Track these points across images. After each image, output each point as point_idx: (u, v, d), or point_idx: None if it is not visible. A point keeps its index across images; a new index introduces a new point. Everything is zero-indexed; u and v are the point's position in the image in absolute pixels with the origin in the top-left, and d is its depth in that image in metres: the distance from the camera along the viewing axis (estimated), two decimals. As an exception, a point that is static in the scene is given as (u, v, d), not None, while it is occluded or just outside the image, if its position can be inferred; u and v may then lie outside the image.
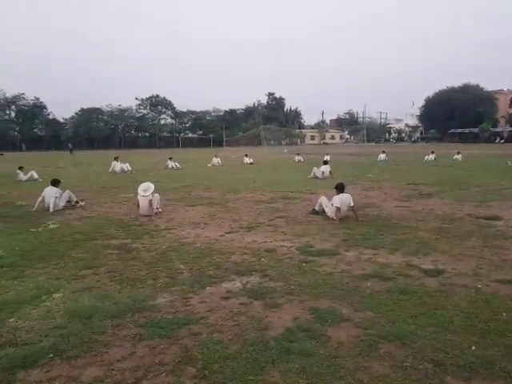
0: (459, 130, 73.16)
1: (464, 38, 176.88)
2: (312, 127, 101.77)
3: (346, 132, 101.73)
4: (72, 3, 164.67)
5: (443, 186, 12.40)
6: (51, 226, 7.42)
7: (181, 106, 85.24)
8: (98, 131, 72.54)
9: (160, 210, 8.71)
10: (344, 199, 7.64)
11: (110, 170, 20.33)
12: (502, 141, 65.24)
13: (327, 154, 27.66)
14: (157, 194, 8.68)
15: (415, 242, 6.00)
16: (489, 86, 78.04)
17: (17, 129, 68.80)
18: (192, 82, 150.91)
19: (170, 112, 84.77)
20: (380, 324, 3.36)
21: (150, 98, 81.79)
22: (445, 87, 79.74)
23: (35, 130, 70.89)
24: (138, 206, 8.33)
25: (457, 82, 79.61)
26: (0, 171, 21.21)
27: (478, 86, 77.16)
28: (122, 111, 77.46)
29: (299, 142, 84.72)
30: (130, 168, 20.69)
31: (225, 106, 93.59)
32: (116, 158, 21.05)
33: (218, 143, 72.47)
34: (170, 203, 9.91)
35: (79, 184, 14.41)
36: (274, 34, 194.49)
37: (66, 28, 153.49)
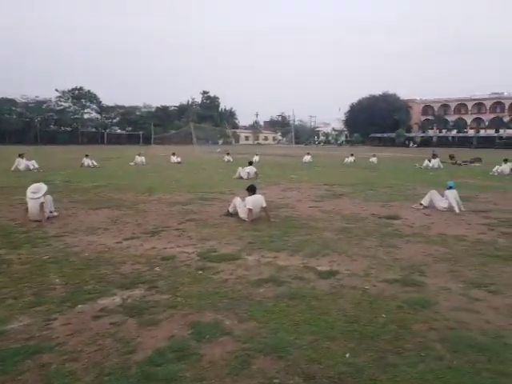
0: (379, 135, 79.24)
1: (380, 49, 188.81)
2: (246, 128, 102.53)
3: (279, 134, 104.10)
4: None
5: (355, 187, 12.92)
6: None
7: (108, 100, 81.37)
8: (10, 124, 66.22)
9: (55, 213, 7.91)
10: (256, 200, 7.54)
11: (13, 168, 18.40)
12: (415, 145, 71.41)
13: (256, 155, 27.88)
14: (49, 196, 7.82)
15: (318, 242, 6.04)
16: (404, 94, 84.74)
17: None
18: (123, 78, 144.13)
19: (95, 106, 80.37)
20: (261, 335, 3.20)
21: (73, 90, 76.73)
22: (367, 95, 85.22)
23: None
24: (27, 209, 7.48)
25: (378, 91, 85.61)
26: None
27: (395, 94, 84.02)
28: (40, 103, 71.49)
29: (233, 142, 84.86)
30: (36, 166, 18.91)
31: (157, 102, 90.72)
32: (21, 155, 19.06)
33: (148, 140, 70.06)
34: (71, 206, 9.13)
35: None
36: (211, 36, 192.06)
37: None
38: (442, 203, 8.84)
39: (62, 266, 4.93)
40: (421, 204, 9.07)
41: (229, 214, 8.04)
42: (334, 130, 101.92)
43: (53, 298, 3.92)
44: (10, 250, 5.61)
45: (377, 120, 77.99)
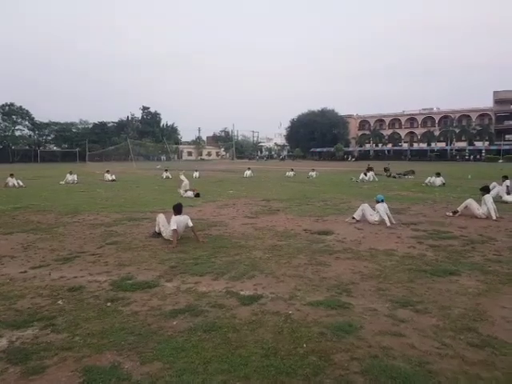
0: (319, 149, 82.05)
1: (324, 67, 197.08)
2: (189, 143, 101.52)
3: (222, 149, 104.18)
4: None
5: (292, 202, 12.88)
6: None
7: (41, 116, 77.10)
8: None
9: None
10: (181, 221, 7.12)
11: None
12: (354, 159, 74.36)
13: (196, 171, 27.41)
14: None
15: (246, 263, 5.74)
16: (342, 111, 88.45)
17: None
18: (57, 93, 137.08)
19: (27, 123, 75.84)
20: (163, 379, 2.81)
21: (3, 106, 72.11)
22: (306, 110, 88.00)
23: None
24: None
25: (317, 106, 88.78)
26: None
27: (333, 110, 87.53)
28: (-34, 120, 66.37)
29: (176, 158, 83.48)
30: None
31: (94, 118, 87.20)
32: None
33: (85, 158, 66.89)
34: (-20, 231, 8.16)
35: None
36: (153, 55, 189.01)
37: None
38: (373, 217, 8.96)
39: None
40: (353, 218, 9.14)
41: (156, 235, 7.55)
42: (276, 144, 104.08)
43: None
44: None
45: (317, 135, 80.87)
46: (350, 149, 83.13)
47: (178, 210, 7.20)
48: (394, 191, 16.23)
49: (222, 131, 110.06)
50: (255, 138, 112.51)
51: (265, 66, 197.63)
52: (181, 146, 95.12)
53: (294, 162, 67.58)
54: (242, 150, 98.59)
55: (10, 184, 19.49)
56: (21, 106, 73.85)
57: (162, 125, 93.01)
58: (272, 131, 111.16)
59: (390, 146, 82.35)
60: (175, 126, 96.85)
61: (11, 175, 20.11)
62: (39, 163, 64.02)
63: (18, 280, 5.03)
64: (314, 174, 26.13)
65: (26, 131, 76.49)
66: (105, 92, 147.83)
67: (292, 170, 27.26)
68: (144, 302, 4.27)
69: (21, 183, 19.75)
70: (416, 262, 5.78)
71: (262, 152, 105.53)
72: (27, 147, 74.47)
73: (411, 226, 8.57)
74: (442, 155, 70.74)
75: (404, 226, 8.60)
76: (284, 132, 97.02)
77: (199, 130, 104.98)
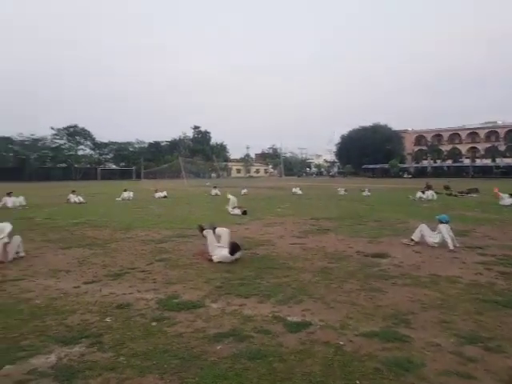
0: (371, 166, 79.27)
1: (374, 82, 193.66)
2: (238, 161, 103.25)
3: (271, 166, 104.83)
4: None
5: (343, 221, 12.44)
6: None
7: (102, 136, 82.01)
8: (6, 161, 66.40)
9: (22, 254, 7.41)
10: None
11: None
12: (410, 176, 71.20)
13: (244, 188, 27.63)
14: (18, 237, 7.37)
15: (293, 286, 5.52)
16: (395, 126, 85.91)
17: None
18: (115, 114, 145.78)
19: (89, 142, 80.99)
20: (205, 410, 2.66)
21: (68, 127, 77.68)
22: (358, 126, 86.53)
23: None
24: None
25: (368, 122, 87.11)
26: None
27: (386, 125, 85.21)
28: (35, 141, 72.03)
29: (225, 175, 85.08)
30: (23, 203, 18.51)
31: (149, 138, 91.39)
32: (8, 194, 18.71)
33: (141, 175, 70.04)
34: (43, 245, 8.60)
35: None
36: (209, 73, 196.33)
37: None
38: (433, 238, 8.37)
39: (8, 315, 4.41)
40: (412, 240, 8.61)
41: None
42: (325, 161, 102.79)
43: (-22, 358, 3.38)
44: (-44, 296, 5.07)
45: (369, 151, 78.72)
46: (406, 165, 79.85)
47: (233, 249, 6.97)
48: (456, 211, 15.23)
49: (270, 148, 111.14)
50: (303, 155, 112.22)
51: (314, 83, 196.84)
52: (230, 164, 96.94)
53: (345, 179, 66.29)
54: (291, 166, 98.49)
55: (72, 200, 20.64)
56: (83, 128, 79.04)
57: (211, 143, 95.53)
58: (321, 148, 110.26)
59: (449, 162, 78.26)
60: (224, 143, 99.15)
61: (73, 192, 21.35)
62: (99, 180, 67.75)
63: (71, 295, 5.15)
64: (367, 191, 25.35)
65: (88, 150, 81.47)
66: (159, 113, 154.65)
67: (343, 187, 26.63)
68: (188, 324, 4.18)
69: (81, 199, 20.86)
70: (484, 292, 5.24)
71: (310, 169, 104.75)
72: (88, 165, 79.18)
73: (477, 250, 7.89)
74: (508, 172, 65.61)
75: (469, 250, 7.93)
76: (334, 148, 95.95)
77: (247, 148, 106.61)
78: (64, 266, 6.79)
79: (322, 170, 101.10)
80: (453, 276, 5.99)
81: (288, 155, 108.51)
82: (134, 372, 3.17)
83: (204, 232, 7.60)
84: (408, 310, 4.59)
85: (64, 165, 75.38)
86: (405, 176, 71.98)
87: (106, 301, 4.91)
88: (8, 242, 7.00)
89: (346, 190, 26.59)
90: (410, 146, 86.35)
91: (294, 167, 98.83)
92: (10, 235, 7.16)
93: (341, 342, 3.72)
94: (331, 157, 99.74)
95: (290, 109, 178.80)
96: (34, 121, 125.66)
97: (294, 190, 27.19)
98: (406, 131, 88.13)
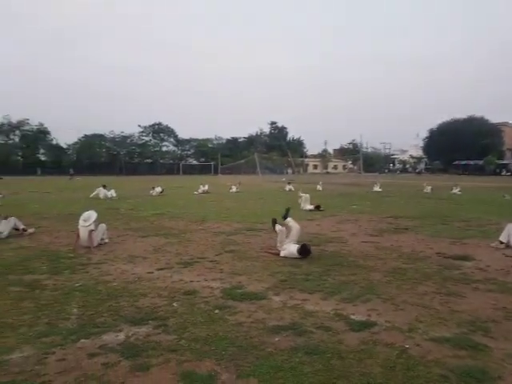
0: (464, 162, 72.57)
1: (468, 70, 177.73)
2: (315, 157, 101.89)
3: (350, 162, 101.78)
4: (85, 32, 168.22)
5: (425, 220, 11.63)
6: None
7: (183, 133, 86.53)
8: (100, 157, 73.19)
9: (106, 240, 8.08)
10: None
11: (91, 196, 19.79)
12: (509, 173, 64.14)
13: (319, 184, 27.25)
14: (103, 225, 8.06)
15: (361, 284, 5.29)
16: (493, 118, 77.84)
17: (20, 153, 69.36)
18: (195, 110, 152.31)
19: (172, 139, 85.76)
20: (256, 399, 2.66)
21: (153, 125, 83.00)
22: (449, 119, 79.82)
23: (38, 155, 71.40)
24: (78, 236, 7.67)
25: (460, 114, 79.89)
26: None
27: (482, 118, 77.26)
28: (125, 138, 78.35)
29: (301, 171, 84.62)
30: (114, 195, 19.90)
31: (227, 134, 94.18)
32: (104, 186, 20.40)
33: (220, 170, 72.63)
34: (125, 233, 9.30)
35: (48, 211, 13.94)
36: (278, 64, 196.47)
37: (78, 54, 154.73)
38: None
39: (87, 294, 4.83)
40: (501, 242, 7.79)
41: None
42: (411, 157, 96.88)
43: (62, 330, 3.79)
44: (50, 275, 5.72)
45: (461, 146, 71.42)
46: (505, 161, 71.95)
47: (303, 251, 6.81)
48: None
49: (349, 143, 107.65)
50: (387, 150, 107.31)
51: (401, 76, 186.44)
52: (306, 160, 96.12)
53: (433, 175, 62.04)
54: (372, 162, 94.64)
55: (101, 195, 19.55)
56: (167, 125, 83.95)
57: (288, 139, 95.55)
58: (407, 142, 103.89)
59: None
60: (301, 139, 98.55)
61: (104, 186, 20.25)
62: (181, 175, 71.47)
63: (145, 279, 5.49)
64: (457, 190, 23.53)
65: (171, 147, 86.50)
66: (237, 109, 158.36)
67: (428, 184, 25.00)
68: (249, 314, 4.21)
69: (113, 194, 19.91)
70: None
71: (394, 165, 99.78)
72: (171, 161, 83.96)
73: None
74: None
75: None
76: (421, 143, 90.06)
77: (325, 143, 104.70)
78: (141, 252, 7.27)
79: (408, 166, 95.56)
80: (548, 284, 5.30)
81: (369, 150, 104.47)
82: (193, 355, 3.27)
83: (276, 227, 7.58)
84: (489, 317, 4.15)
85: (150, 160, 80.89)
86: (503, 173, 64.87)
87: (175, 287, 5.14)
88: (93, 230, 7.65)
89: (432, 188, 24.90)
90: (510, 141, 77.51)
91: (375, 163, 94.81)
92: (96, 223, 7.82)
93: (406, 345, 3.47)
94: (418, 152, 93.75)
95: (374, 102, 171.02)
96: (123, 119, 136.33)
97: (374, 186, 26.19)
98: (505, 124, 79.25)
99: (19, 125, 68.92)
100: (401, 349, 3.41)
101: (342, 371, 3.03)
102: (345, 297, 4.78)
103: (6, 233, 8.65)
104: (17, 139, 70.00)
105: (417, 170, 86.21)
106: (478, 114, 78.36)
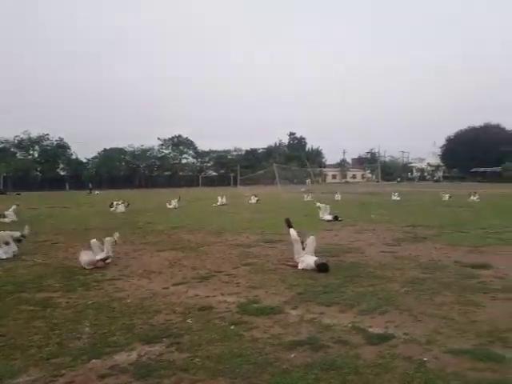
0: (482, 169, 71.75)
1: (483, 77, 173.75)
2: (334, 166, 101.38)
3: (368, 171, 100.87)
4: (100, 45, 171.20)
5: (443, 229, 11.41)
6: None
7: (203, 145, 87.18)
8: (120, 171, 74.35)
9: (109, 260, 7.55)
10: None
11: (111, 210, 20.11)
12: (526, 180, 62.67)
13: (337, 193, 27.05)
14: (108, 238, 7.77)
15: (379, 296, 5.20)
16: (508, 124, 77.03)
17: (39, 169, 70.61)
18: (215, 121, 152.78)
19: (191, 151, 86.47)
20: (270, 418, 2.62)
21: (173, 138, 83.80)
22: (466, 126, 79.76)
23: (57, 170, 72.76)
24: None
25: (477, 121, 79.31)
26: None
27: (498, 125, 76.99)
28: (144, 151, 79.37)
29: (320, 181, 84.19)
30: (123, 210, 20.05)
31: (246, 145, 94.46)
32: (123, 202, 20.97)
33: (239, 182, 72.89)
34: (141, 248, 9.40)
35: (65, 226, 14.17)
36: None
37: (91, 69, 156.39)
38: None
39: (101, 312, 4.85)
40: None
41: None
42: (429, 165, 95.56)
43: (72, 350, 3.77)
44: (64, 292, 5.75)
45: (478, 154, 71.36)
46: (524, 168, 70.77)
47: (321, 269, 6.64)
48: None
49: (368, 152, 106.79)
50: (405, 159, 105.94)
51: (417, 85, 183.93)
52: (325, 169, 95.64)
53: (451, 183, 61.00)
54: (390, 171, 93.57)
55: (171, 206, 22.08)
56: (187, 138, 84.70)
57: (307, 149, 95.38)
58: (425, 150, 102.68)
59: None
60: (320, 149, 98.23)
61: (120, 202, 20.83)
62: (200, 187, 72.03)
63: (159, 295, 5.51)
64: (475, 197, 23.07)
65: (191, 159, 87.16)
66: (256, 121, 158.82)
67: (447, 193, 24.55)
68: (266, 329, 4.17)
69: (175, 204, 22.12)
70: None
71: (412, 173, 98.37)
72: (191, 173, 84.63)
73: None
74: None
75: None
76: (439, 151, 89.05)
77: (344, 153, 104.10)
78: (157, 267, 7.31)
79: (426, 174, 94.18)
80: None
81: (387, 159, 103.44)
82: (207, 374, 3.25)
83: (291, 232, 7.49)
84: (508, 327, 4.04)
85: (169, 173, 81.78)
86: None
87: (190, 302, 5.15)
88: (100, 259, 7.32)
89: (450, 196, 24.49)
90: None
91: (393, 172, 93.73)
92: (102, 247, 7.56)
93: (425, 358, 3.39)
94: (435, 160, 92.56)
95: (393, 109, 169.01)
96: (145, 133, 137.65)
97: (392, 195, 25.87)
98: (524, 130, 78.36)
99: (39, 140, 70.20)
100: (419, 362, 3.33)
101: (359, 388, 2.96)
102: (363, 309, 4.71)
103: (10, 252, 8.35)
104: (36, 154, 71.34)
105: (435, 178, 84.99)
106: (493, 121, 77.86)
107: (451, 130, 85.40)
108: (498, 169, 68.51)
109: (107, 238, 7.74)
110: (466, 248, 8.40)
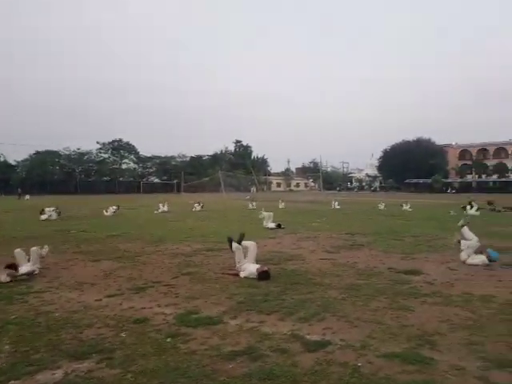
0: (414, 181, 77.26)
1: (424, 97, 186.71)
2: (279, 175, 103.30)
3: (311, 180, 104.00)
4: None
5: (378, 236, 11.98)
6: None
7: (145, 150, 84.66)
8: (53, 175, 70.04)
9: (36, 272, 7.09)
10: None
11: (42, 218, 18.77)
12: (454, 191, 68.51)
13: (282, 201, 27.47)
14: (35, 248, 7.27)
15: (318, 303, 5.28)
16: (439, 140, 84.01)
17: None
18: (158, 128, 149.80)
19: (133, 157, 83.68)
20: None
21: (113, 142, 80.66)
22: (400, 140, 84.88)
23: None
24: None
25: (411, 136, 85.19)
26: None
27: (429, 139, 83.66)
28: (81, 155, 75.64)
29: (264, 189, 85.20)
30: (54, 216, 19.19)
31: (191, 152, 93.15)
32: (56, 209, 19.78)
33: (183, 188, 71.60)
34: (74, 257, 8.85)
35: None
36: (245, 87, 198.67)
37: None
38: (472, 259, 7.80)
39: (24, 328, 4.46)
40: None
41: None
42: (367, 175, 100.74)
43: (-14, 372, 3.40)
44: (-18, 307, 5.23)
45: (411, 165, 76.83)
46: (450, 180, 77.24)
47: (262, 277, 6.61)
48: (499, 226, 14.30)
49: (310, 162, 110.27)
50: (345, 169, 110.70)
51: (356, 98, 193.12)
52: (270, 178, 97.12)
53: (387, 193, 64.55)
54: (331, 181, 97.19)
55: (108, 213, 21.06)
56: (128, 142, 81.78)
57: (253, 157, 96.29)
58: (363, 161, 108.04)
59: (495, 177, 74.76)
60: (265, 157, 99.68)
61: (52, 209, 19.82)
62: (141, 194, 69.81)
63: (91, 308, 5.17)
64: (407, 207, 24.51)
65: (132, 164, 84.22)
66: (201, 127, 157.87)
67: (382, 202, 25.86)
68: (204, 340, 4.05)
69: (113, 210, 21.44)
70: (520, 312, 4.78)
71: (352, 183, 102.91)
72: (132, 179, 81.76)
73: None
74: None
75: (507, 268, 7.37)
76: (376, 163, 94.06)
77: (288, 162, 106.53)
78: (90, 278, 6.89)
79: (364, 184, 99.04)
80: (487, 295, 5.57)
81: (329, 169, 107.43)
82: (139, 391, 3.08)
83: (233, 247, 7.45)
84: (435, 330, 4.26)
85: (108, 178, 78.38)
86: (448, 191, 69.13)
87: (125, 315, 4.88)
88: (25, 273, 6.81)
89: (385, 205, 25.83)
90: (453, 161, 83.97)
91: (334, 181, 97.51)
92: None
93: (359, 364, 3.47)
94: (373, 171, 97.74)
95: (330, 123, 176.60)
96: (81, 136, 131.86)
97: (332, 203, 26.74)
98: (449, 145, 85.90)
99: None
100: (353, 367, 3.40)
101: (295, 397, 2.95)
102: (301, 316, 4.74)
103: None
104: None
105: (372, 188, 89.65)
106: (425, 136, 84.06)
107: (388, 143, 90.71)
108: (428, 180, 73.92)
109: (33, 248, 7.18)
110: (399, 255, 8.83)
